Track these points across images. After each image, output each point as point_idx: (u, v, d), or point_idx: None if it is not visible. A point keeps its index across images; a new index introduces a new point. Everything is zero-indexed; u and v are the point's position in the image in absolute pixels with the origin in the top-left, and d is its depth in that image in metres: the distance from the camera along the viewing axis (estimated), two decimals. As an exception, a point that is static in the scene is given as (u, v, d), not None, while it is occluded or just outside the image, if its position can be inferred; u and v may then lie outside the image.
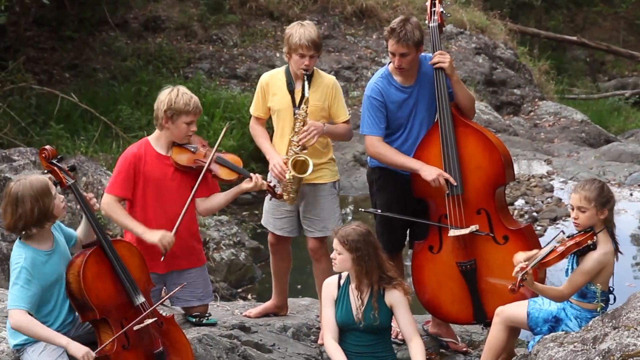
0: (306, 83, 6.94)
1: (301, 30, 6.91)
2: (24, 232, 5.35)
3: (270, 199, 7.12)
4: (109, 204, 6.39)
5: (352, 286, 6.06)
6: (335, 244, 6.04)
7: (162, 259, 6.34)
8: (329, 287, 6.18)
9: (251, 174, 6.63)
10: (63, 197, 5.48)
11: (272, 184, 6.82)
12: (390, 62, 7.02)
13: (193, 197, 6.49)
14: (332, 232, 6.21)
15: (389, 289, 6.02)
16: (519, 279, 5.70)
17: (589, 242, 5.78)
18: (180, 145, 6.55)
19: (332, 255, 6.11)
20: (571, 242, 5.79)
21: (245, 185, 6.60)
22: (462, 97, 6.95)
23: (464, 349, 7.40)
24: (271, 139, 7.29)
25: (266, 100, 7.20)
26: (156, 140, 6.56)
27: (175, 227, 6.39)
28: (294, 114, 7.01)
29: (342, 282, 6.13)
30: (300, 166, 6.97)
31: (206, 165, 6.48)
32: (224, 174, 6.60)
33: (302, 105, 6.96)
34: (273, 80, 7.18)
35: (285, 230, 7.31)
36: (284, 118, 7.12)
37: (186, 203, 6.43)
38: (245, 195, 14.18)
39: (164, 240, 6.32)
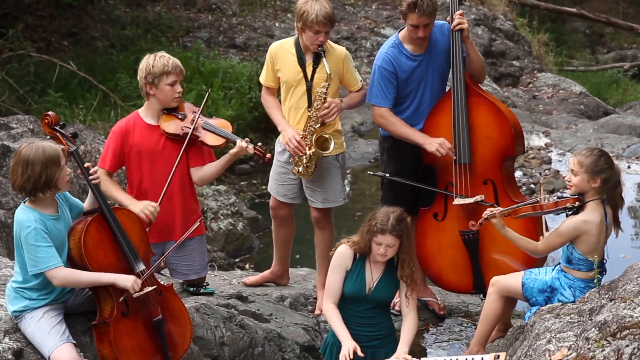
0: (325, 60, 6.90)
1: (316, 7, 6.83)
2: (30, 195, 5.33)
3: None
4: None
5: (369, 261, 6.00)
6: (392, 239, 5.84)
7: (148, 229, 6.25)
8: (344, 255, 6.02)
9: (237, 139, 6.53)
10: (70, 170, 5.47)
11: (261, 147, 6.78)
12: (400, 31, 7.08)
13: (179, 163, 6.40)
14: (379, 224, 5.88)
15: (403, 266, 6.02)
16: (483, 217, 5.85)
17: (568, 204, 5.81)
18: (168, 113, 6.48)
19: (382, 251, 5.85)
20: (551, 201, 5.86)
21: (233, 150, 6.50)
22: (476, 59, 7.02)
23: (442, 312, 7.52)
24: None
25: (274, 69, 7.18)
26: (145, 111, 6.54)
27: (161, 196, 6.37)
28: (307, 88, 7.00)
29: (357, 255, 6.02)
30: (322, 142, 6.97)
31: (190, 130, 6.43)
32: (210, 139, 6.51)
33: (324, 83, 6.92)
34: (281, 51, 7.14)
35: (287, 197, 7.33)
36: (294, 91, 7.10)
37: (172, 169, 6.38)
38: (243, 165, 14.25)
39: (145, 210, 6.30)
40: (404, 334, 5.95)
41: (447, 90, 7.07)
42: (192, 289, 6.77)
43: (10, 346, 5.31)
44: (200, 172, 6.56)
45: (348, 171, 14.53)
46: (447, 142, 6.86)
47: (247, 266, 10.90)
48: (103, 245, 5.53)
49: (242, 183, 13.89)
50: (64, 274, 5.32)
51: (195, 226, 6.27)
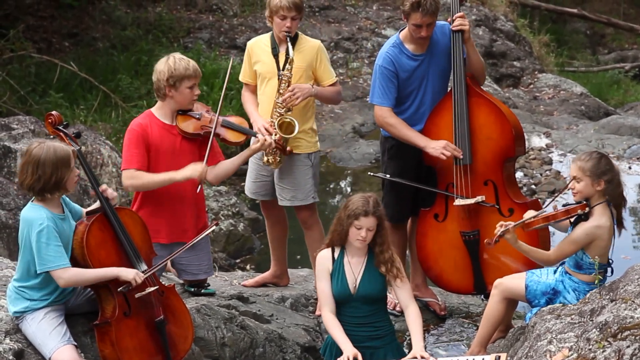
0: (289, 44, 6.96)
1: None
2: (38, 195, 5.33)
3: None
4: (131, 177, 6.29)
5: (347, 258, 6.01)
6: (373, 221, 5.84)
7: (199, 190, 6.35)
8: (323, 260, 6.04)
9: (258, 134, 6.62)
10: (78, 172, 5.47)
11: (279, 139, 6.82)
12: (401, 31, 7.11)
13: (208, 161, 6.38)
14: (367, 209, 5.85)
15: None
16: (498, 234, 5.80)
17: (579, 211, 5.81)
18: (184, 114, 6.45)
19: (363, 235, 5.82)
20: (561, 210, 5.85)
21: (254, 145, 6.57)
22: (476, 61, 7.04)
23: (443, 313, 7.53)
24: None
25: (252, 65, 7.24)
26: (159, 111, 6.47)
27: (206, 158, 6.34)
28: (279, 77, 7.03)
29: (336, 255, 6.02)
30: (286, 127, 6.97)
31: (213, 129, 6.43)
32: (231, 136, 6.54)
33: (287, 66, 6.98)
34: (257, 44, 7.25)
35: (258, 194, 7.38)
36: (268, 83, 7.16)
37: (205, 158, 6.36)
38: (244, 165, 14.22)
39: (196, 170, 6.29)
40: (412, 329, 5.89)
41: (448, 90, 7.08)
42: (193, 290, 6.77)
43: (11, 347, 5.31)
44: (215, 171, 6.52)
45: (349, 171, 14.53)
46: (451, 144, 6.86)
47: (247, 267, 10.90)
48: (105, 245, 5.54)
49: (242, 184, 13.85)
50: (69, 275, 5.32)
51: (210, 230, 6.25)
